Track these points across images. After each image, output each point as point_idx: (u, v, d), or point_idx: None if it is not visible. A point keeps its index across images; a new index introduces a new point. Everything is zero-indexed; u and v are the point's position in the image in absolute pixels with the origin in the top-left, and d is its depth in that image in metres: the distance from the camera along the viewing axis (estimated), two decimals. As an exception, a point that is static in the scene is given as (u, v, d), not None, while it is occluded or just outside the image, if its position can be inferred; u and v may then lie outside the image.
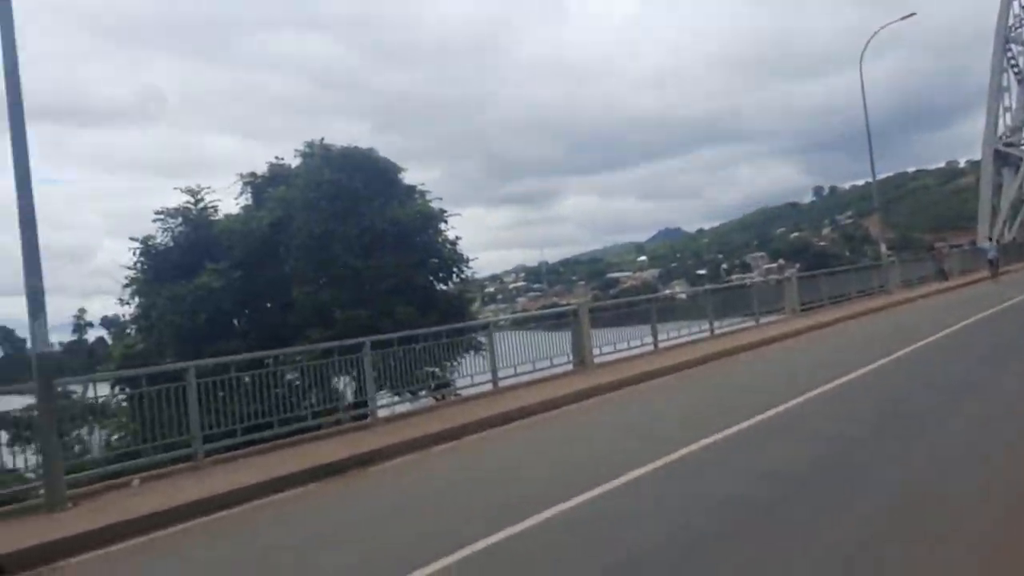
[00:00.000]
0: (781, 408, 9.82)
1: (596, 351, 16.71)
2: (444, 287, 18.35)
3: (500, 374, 14.58)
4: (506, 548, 5.72)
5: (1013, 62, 68.43)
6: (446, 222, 18.10)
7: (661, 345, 18.46)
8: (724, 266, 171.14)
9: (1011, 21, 67.16)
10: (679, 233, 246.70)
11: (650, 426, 10.26)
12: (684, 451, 8.09)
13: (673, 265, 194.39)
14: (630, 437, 9.59)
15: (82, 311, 44.08)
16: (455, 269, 18.14)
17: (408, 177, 18.43)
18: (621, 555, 5.26)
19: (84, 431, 10.90)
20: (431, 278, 18.04)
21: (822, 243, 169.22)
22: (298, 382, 11.71)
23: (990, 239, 48.75)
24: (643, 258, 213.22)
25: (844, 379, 11.52)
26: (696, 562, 5.05)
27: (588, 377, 14.83)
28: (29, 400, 9.44)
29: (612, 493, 6.89)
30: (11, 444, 9.31)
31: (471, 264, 18.68)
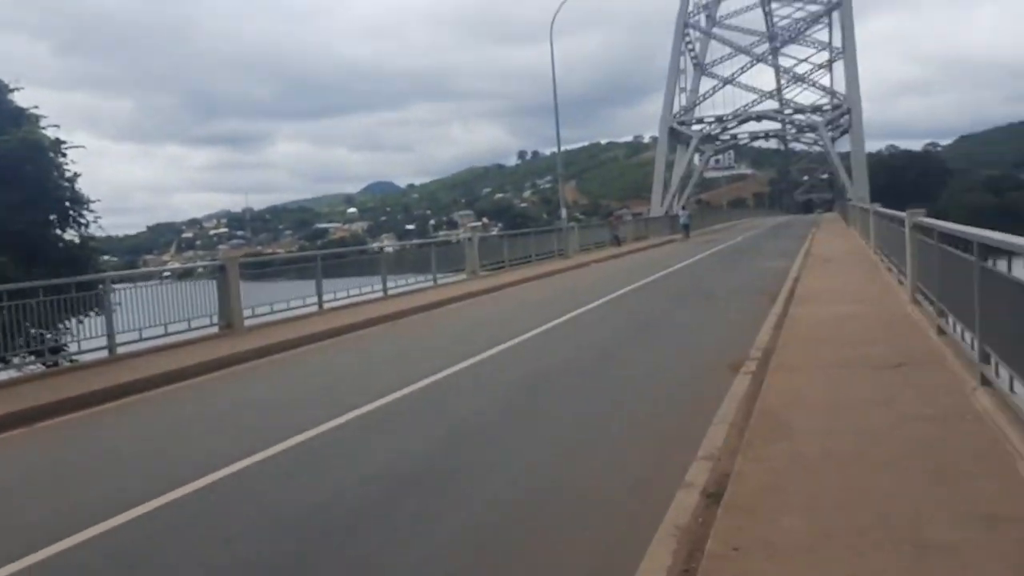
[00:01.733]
0: (423, 383, 8.92)
1: (248, 312, 14.94)
2: (63, 233, 15.31)
3: (122, 339, 12.37)
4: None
5: (691, 47, 75.14)
6: (65, 155, 15.04)
7: (328, 306, 17.09)
8: (432, 222, 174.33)
9: (691, 8, 73.55)
10: (391, 187, 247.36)
11: (268, 410, 8.81)
12: (293, 441, 6.79)
13: (383, 219, 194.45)
14: (236, 424, 8.12)
15: None
16: (72, 213, 15.18)
17: (78, 102, 15.26)
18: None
19: None
20: (44, 223, 14.95)
21: (523, 204, 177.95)
22: None
23: (683, 208, 54.76)
24: (353, 210, 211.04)
25: (466, 362, 10.93)
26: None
27: (232, 342, 13.07)
28: None
29: (152, 516, 5.32)
30: None
31: (94, 208, 15.58)
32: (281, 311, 15.77)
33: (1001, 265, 5.58)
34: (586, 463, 5.97)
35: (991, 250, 5.91)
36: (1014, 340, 5.15)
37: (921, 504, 4.14)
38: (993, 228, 6.11)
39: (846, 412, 6.13)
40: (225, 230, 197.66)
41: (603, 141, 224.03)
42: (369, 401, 8.13)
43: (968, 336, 6.87)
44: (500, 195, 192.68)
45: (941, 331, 8.58)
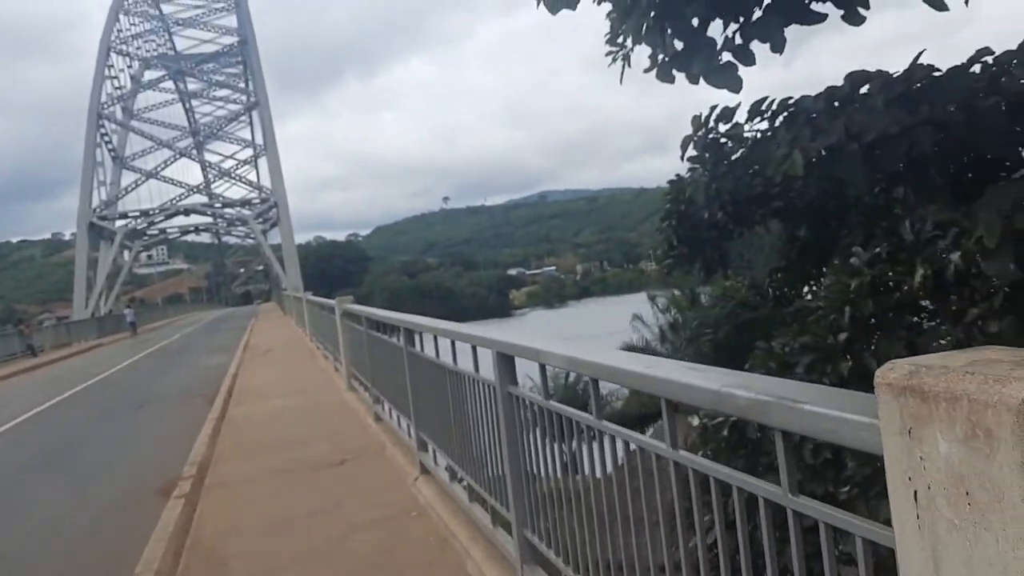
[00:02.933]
0: None
1: None
2: None
3: None
4: None
5: (107, 139, 70.65)
6: None
7: None
8: None
9: (104, 99, 69.34)
10: None
11: None
12: None
13: None
14: None
15: None
16: None
17: None
18: None
19: None
20: None
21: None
22: None
23: (128, 306, 51.59)
24: None
25: None
26: None
27: None
28: None
29: None
30: None
31: None
32: None
33: (429, 350, 5.45)
34: None
35: (415, 334, 5.81)
36: (444, 426, 5.00)
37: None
38: (412, 305, 6.07)
39: (292, 531, 5.41)
40: None
41: (15, 240, 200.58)
42: None
43: (405, 423, 6.75)
44: None
45: (378, 418, 8.50)
